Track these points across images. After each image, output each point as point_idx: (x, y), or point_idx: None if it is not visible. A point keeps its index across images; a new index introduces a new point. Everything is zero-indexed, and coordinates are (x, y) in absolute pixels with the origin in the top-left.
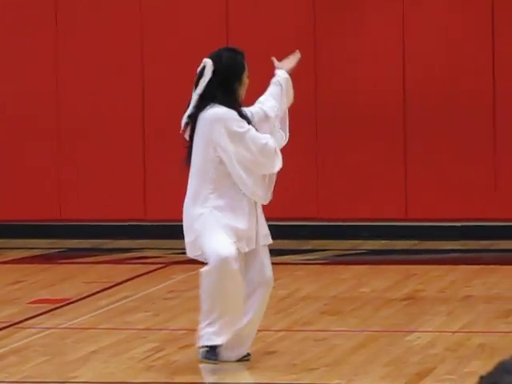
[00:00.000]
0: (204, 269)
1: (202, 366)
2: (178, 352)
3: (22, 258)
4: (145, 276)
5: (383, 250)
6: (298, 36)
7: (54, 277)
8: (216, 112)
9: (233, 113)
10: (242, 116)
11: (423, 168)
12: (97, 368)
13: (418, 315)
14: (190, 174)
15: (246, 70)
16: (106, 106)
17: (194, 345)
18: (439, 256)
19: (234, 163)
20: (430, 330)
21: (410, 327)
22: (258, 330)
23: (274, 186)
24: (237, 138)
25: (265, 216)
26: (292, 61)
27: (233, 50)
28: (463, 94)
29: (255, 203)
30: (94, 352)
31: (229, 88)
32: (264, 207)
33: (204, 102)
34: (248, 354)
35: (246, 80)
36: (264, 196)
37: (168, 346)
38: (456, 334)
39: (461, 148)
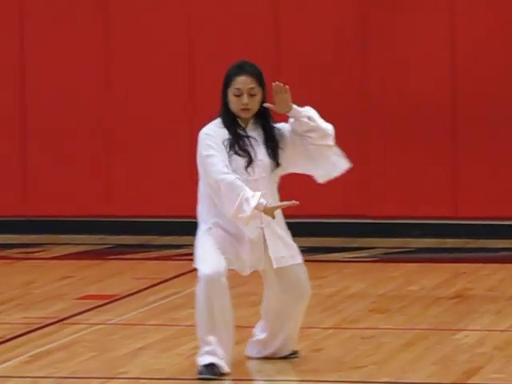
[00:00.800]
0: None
1: (248, 363)
2: None
3: (71, 254)
4: (193, 273)
5: (433, 248)
6: (347, 34)
7: (103, 273)
8: (202, 129)
9: (213, 131)
10: (238, 133)
11: (474, 166)
12: (144, 364)
13: (466, 314)
14: None
15: (232, 87)
16: (155, 108)
17: (241, 341)
18: (489, 254)
19: (205, 183)
20: (478, 328)
21: (459, 326)
22: (306, 328)
23: (324, 184)
24: (200, 159)
25: (314, 213)
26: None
27: (237, 64)
28: None
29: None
30: (141, 348)
31: (222, 101)
32: (313, 204)
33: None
34: (294, 353)
35: (230, 97)
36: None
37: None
38: (504, 332)
39: (511, 144)
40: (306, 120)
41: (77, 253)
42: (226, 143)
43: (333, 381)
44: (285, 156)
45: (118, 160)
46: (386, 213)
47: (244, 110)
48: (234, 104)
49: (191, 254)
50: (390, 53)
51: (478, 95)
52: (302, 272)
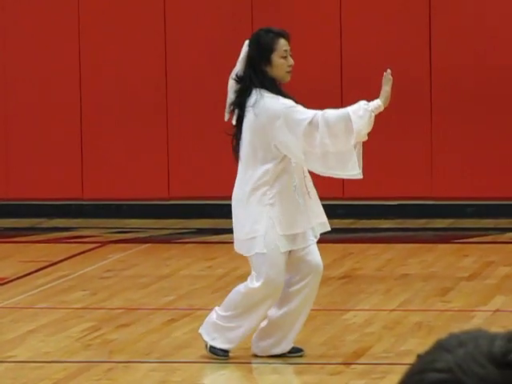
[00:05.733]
0: (253, 284)
1: (137, 345)
2: (115, 331)
3: None
4: (82, 255)
5: None
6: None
7: None
8: (260, 104)
9: (284, 101)
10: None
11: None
12: (34, 347)
13: (355, 294)
14: (241, 164)
15: (280, 50)
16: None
17: (130, 324)
18: (376, 234)
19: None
20: (366, 308)
21: (347, 306)
22: (197, 309)
23: (215, 166)
24: (285, 118)
25: (204, 195)
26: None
27: (267, 30)
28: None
29: (307, 195)
30: (31, 331)
31: (256, 69)
32: (203, 185)
33: (243, 85)
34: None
35: (278, 60)
36: (335, 170)
37: (105, 325)
38: (393, 312)
39: (399, 127)
40: None
41: None
42: None
43: (221, 362)
44: None
45: (14, 146)
46: None
47: (289, 72)
48: (281, 67)
49: (80, 237)
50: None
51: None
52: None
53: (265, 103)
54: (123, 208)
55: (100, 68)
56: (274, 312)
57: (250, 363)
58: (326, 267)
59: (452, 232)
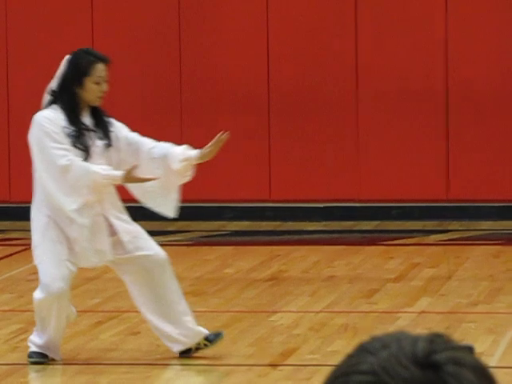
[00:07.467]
0: (37, 295)
1: (64, 347)
2: None
3: None
4: (8, 258)
5: (247, 231)
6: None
7: None
8: (37, 115)
9: (56, 118)
10: (80, 125)
11: (287, 148)
12: None
13: (281, 295)
14: None
15: (94, 75)
16: None
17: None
18: (302, 237)
19: (41, 172)
20: (293, 310)
21: (274, 307)
22: (124, 311)
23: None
24: (41, 146)
25: (130, 197)
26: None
27: (87, 51)
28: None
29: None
30: None
31: (67, 90)
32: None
33: (50, 100)
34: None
35: (90, 85)
36: (72, 208)
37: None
38: (319, 313)
39: (324, 128)
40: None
41: None
42: (66, 131)
43: (148, 363)
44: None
45: None
46: (201, 196)
47: (100, 97)
48: (92, 92)
49: (7, 240)
50: (206, 44)
51: (292, 78)
52: (149, 239)
53: (38, 118)
54: None
55: (28, 67)
56: (151, 318)
57: (176, 365)
58: (252, 269)
59: (378, 234)
